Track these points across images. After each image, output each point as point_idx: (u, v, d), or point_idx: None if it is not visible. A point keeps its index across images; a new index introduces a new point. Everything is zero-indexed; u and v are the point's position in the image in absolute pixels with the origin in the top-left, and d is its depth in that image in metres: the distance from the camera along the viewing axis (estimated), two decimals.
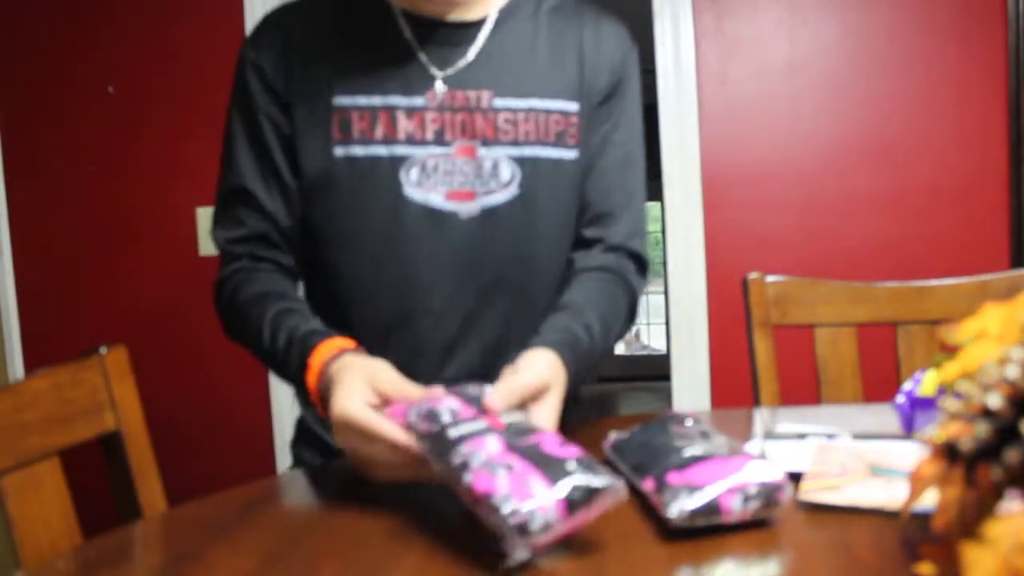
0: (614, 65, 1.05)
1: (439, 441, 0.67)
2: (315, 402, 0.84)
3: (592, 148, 1.05)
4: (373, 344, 0.91)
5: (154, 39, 2.35)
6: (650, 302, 7.95)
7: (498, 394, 0.73)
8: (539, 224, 1.01)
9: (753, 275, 1.24)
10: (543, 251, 1.03)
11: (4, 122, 2.41)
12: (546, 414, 0.77)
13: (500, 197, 0.98)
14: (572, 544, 0.62)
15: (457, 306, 0.99)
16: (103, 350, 0.93)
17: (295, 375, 0.87)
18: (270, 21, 1.03)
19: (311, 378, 0.84)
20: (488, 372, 0.98)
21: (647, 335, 7.88)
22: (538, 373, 0.78)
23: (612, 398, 6.64)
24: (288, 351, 0.89)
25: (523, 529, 0.57)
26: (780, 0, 2.16)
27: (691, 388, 2.23)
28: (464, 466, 0.63)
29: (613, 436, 0.81)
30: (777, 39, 2.17)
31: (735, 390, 2.20)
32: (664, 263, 2.25)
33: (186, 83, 2.32)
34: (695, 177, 2.19)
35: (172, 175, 2.32)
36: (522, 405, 0.76)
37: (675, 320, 2.23)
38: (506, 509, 0.58)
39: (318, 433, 1.07)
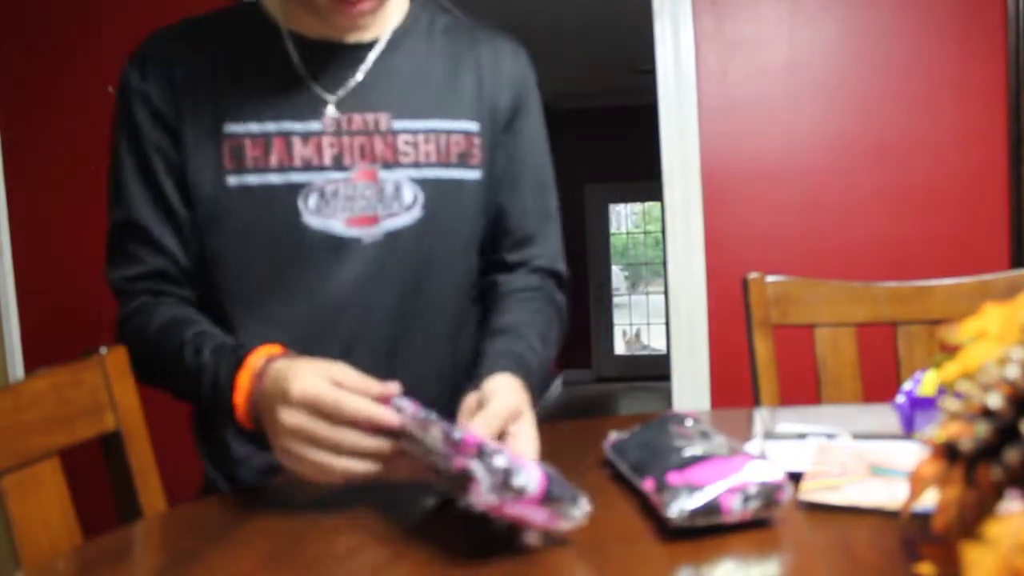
0: (514, 82, 1.04)
1: (422, 423, 0.67)
2: (241, 407, 0.79)
3: (504, 172, 1.04)
4: None
5: None
6: (650, 302, 7.96)
7: (479, 425, 0.71)
8: (443, 246, 1.00)
9: (753, 275, 1.24)
10: (448, 273, 1.01)
11: (4, 122, 2.42)
12: (527, 440, 0.75)
13: (403, 220, 0.97)
14: (572, 544, 0.62)
15: (365, 333, 0.97)
16: (103, 350, 0.93)
17: (223, 382, 0.82)
18: (154, 44, 0.98)
19: (242, 378, 0.79)
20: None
21: (647, 335, 7.88)
22: (507, 399, 0.76)
23: (612, 398, 6.64)
24: (217, 360, 0.84)
25: (505, 478, 0.58)
26: (780, 0, 2.16)
27: (691, 388, 2.23)
28: (454, 429, 0.64)
29: (613, 436, 0.81)
30: (777, 39, 2.17)
31: (735, 390, 2.20)
32: (664, 263, 2.26)
33: None
34: (695, 177, 2.19)
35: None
36: (499, 435, 0.74)
37: (675, 320, 2.23)
38: (496, 455, 0.59)
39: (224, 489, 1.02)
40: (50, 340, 2.40)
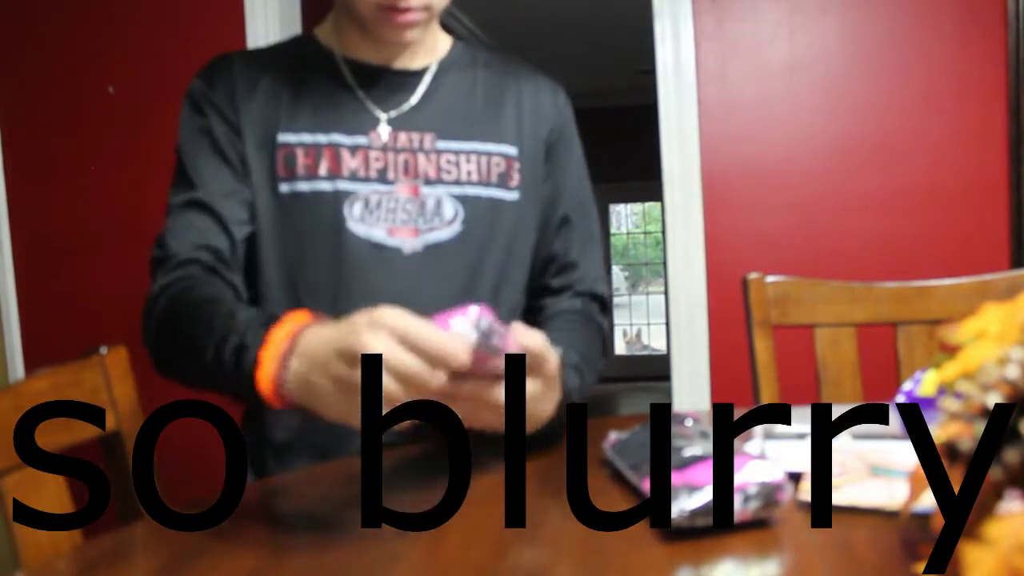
0: (553, 117, 1.10)
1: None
2: (274, 360, 0.71)
3: (548, 202, 1.10)
4: None
5: (154, 39, 2.35)
6: (650, 302, 7.95)
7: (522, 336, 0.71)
8: (482, 262, 1.03)
9: (753, 275, 1.24)
10: (486, 290, 1.04)
11: (5, 122, 2.41)
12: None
13: (443, 234, 1.01)
14: (571, 543, 0.62)
15: None
16: (103, 350, 0.93)
17: (255, 338, 0.74)
18: (221, 62, 1.04)
19: (278, 332, 0.72)
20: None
21: (647, 335, 7.88)
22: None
23: (612, 398, 6.64)
24: (251, 324, 0.77)
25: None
26: (780, 0, 2.16)
27: (691, 388, 2.23)
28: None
29: (613, 436, 0.81)
30: (777, 39, 2.17)
31: (735, 390, 2.20)
32: (664, 263, 2.26)
33: (186, 83, 2.32)
34: (695, 177, 2.19)
35: (172, 175, 2.32)
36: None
37: (675, 320, 2.23)
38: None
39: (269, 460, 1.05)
40: (50, 340, 2.40)
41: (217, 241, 0.96)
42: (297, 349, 0.70)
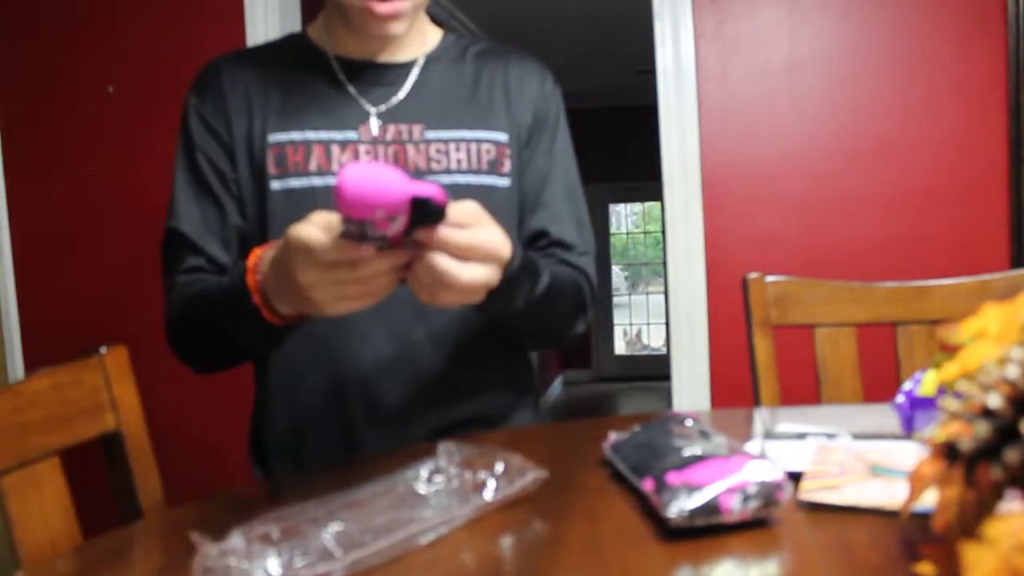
0: (538, 101, 1.10)
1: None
2: (257, 297, 0.81)
3: (534, 185, 1.09)
4: (314, 366, 0.99)
5: (154, 39, 2.35)
6: (650, 302, 7.95)
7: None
8: None
9: (753, 275, 1.24)
10: None
11: (4, 122, 2.42)
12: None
13: None
14: (572, 545, 0.62)
15: (393, 331, 1.01)
16: (103, 350, 0.93)
17: (237, 277, 0.84)
18: (210, 69, 1.07)
19: (250, 261, 0.82)
20: (429, 399, 1.02)
21: (647, 335, 7.88)
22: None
23: (612, 398, 6.64)
24: (233, 273, 0.87)
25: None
26: (780, 0, 2.16)
27: (691, 388, 2.23)
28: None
29: (613, 436, 0.81)
30: (777, 39, 2.17)
31: (735, 390, 2.20)
32: (664, 263, 2.26)
33: (186, 83, 2.32)
34: (695, 177, 2.19)
35: (172, 175, 2.32)
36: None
37: (675, 320, 2.23)
38: None
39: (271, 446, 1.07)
40: (50, 340, 2.40)
41: (196, 262, 1.03)
42: (260, 270, 0.81)
